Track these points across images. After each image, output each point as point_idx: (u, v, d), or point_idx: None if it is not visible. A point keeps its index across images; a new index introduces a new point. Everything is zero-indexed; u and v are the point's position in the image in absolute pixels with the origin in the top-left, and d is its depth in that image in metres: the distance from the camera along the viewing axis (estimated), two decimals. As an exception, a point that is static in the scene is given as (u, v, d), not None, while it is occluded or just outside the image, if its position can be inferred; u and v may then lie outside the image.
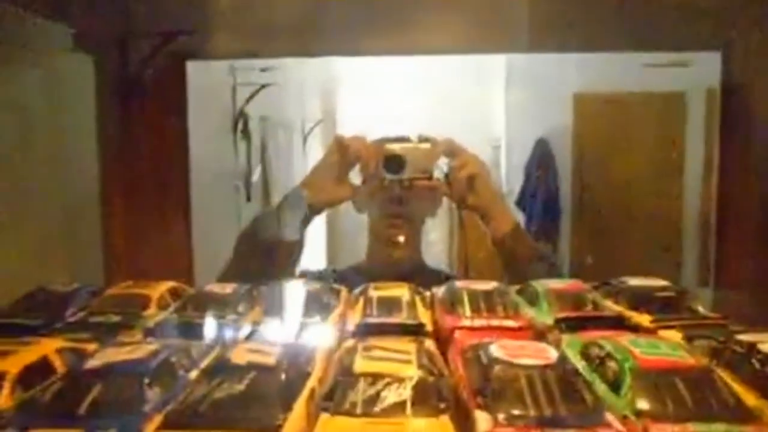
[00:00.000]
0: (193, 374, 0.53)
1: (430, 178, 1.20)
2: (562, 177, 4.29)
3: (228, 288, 0.78)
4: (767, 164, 1.18)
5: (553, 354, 0.51)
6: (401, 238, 1.31)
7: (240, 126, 2.10)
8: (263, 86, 2.07)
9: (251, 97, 2.10)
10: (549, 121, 4.29)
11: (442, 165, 1.23)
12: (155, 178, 1.27)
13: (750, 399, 0.46)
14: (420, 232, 1.36)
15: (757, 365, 0.49)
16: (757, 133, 1.15)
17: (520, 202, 4.10)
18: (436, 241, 1.57)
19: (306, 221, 1.20)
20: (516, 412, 0.44)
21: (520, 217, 3.77)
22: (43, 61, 0.98)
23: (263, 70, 1.92)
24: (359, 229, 1.40)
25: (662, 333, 0.63)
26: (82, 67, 1.10)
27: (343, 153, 1.18)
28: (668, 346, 0.51)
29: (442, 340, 0.67)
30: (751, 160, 1.19)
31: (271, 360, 0.50)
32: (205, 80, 1.74)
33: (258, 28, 1.35)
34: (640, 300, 0.72)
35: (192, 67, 1.36)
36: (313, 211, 1.20)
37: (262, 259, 1.15)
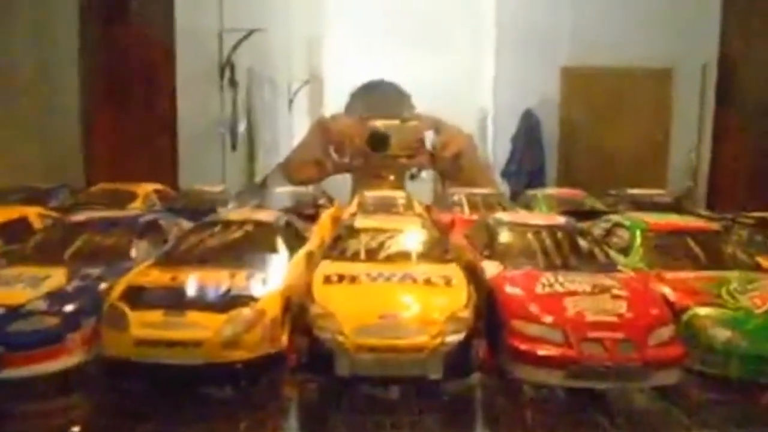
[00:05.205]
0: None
1: (414, 155, 1.21)
2: (548, 149, 4.28)
3: (217, 187, 0.76)
4: (756, 142, 1.18)
5: (561, 219, 0.49)
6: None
7: (227, 74, 2.05)
8: (251, 32, 2.02)
9: (238, 43, 2.04)
10: (536, 93, 4.25)
11: (427, 139, 1.24)
12: (142, 99, 1.24)
13: (760, 259, 0.46)
14: (404, 177, 1.36)
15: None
16: (747, 111, 1.15)
17: (506, 173, 4.07)
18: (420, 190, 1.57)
19: None
20: (523, 259, 0.43)
21: (505, 188, 3.76)
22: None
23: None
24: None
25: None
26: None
27: (325, 135, 1.21)
28: (679, 217, 0.50)
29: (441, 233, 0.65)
30: (742, 139, 1.19)
31: (269, 217, 0.48)
32: (192, 24, 1.69)
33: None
34: (641, 206, 0.71)
35: (180, 6, 1.32)
36: (294, 184, 1.24)
37: None
